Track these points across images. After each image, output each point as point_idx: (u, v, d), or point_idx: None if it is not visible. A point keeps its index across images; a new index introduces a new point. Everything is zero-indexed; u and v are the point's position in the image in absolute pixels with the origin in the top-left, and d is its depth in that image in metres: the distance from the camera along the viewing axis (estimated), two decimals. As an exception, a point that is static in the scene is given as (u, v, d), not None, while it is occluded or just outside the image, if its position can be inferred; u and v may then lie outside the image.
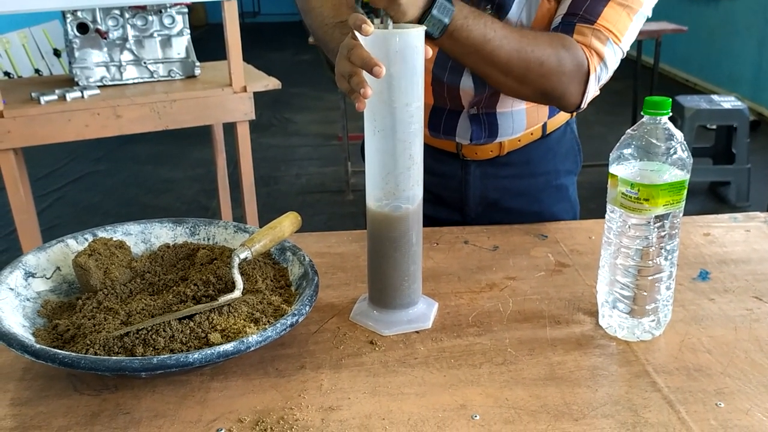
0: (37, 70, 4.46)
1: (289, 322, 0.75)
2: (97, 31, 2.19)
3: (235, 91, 2.21)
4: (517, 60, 0.93)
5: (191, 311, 0.78)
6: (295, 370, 0.77)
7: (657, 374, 0.76)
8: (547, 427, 0.68)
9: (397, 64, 0.76)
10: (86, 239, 0.92)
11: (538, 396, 0.73)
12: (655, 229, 0.78)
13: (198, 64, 2.35)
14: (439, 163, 1.20)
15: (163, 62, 2.30)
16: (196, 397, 0.73)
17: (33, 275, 0.86)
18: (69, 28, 2.18)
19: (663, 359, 0.79)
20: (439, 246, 1.09)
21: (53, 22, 4.81)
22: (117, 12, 2.22)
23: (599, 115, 4.97)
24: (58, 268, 0.89)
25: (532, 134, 1.18)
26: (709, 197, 3.76)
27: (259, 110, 2.50)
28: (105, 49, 2.23)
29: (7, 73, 4.11)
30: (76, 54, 2.20)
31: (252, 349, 0.72)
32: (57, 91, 2.07)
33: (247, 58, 2.31)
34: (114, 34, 2.23)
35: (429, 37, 0.87)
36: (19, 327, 0.76)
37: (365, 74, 0.77)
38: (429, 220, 0.98)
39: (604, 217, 0.84)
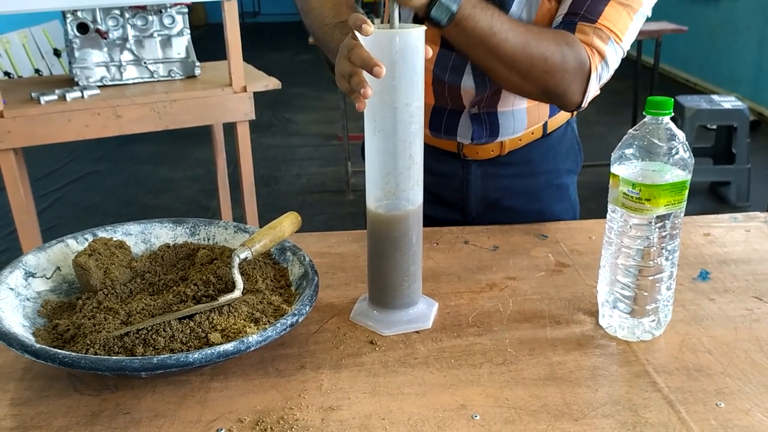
0: (37, 70, 4.47)
1: (289, 322, 0.75)
2: (97, 31, 2.19)
3: (235, 91, 2.21)
4: (522, 54, 0.92)
5: (191, 311, 0.78)
6: (295, 370, 0.77)
7: (657, 374, 0.76)
8: (547, 427, 0.68)
9: (398, 64, 0.76)
10: (86, 239, 0.92)
11: (538, 396, 0.73)
12: (656, 229, 0.78)
13: (198, 64, 2.35)
14: (440, 163, 1.20)
15: (163, 62, 2.30)
16: (196, 397, 0.73)
17: (33, 275, 0.86)
18: (69, 28, 2.18)
19: (663, 359, 0.79)
20: (439, 246, 1.09)
21: (53, 22, 4.81)
22: (117, 12, 2.22)
23: (599, 115, 4.97)
24: (58, 268, 0.89)
25: (532, 133, 1.18)
26: (709, 197, 3.76)
27: (259, 110, 2.50)
28: (105, 49, 2.23)
29: (7, 73, 4.11)
30: (76, 54, 2.20)
31: (252, 349, 0.72)
32: (57, 91, 2.07)
33: (247, 58, 2.31)
34: (114, 34, 2.23)
35: (436, 25, 0.87)
36: (19, 327, 0.76)
37: (365, 74, 0.77)
38: (429, 220, 0.98)
39: (604, 217, 0.84)
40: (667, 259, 0.80)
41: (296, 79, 6.47)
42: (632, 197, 0.77)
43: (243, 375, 0.76)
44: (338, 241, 1.10)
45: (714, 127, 3.97)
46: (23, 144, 2.03)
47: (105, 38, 2.20)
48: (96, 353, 0.71)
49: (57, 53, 4.54)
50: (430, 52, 0.79)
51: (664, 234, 0.79)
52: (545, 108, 1.15)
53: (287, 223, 0.90)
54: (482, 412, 0.70)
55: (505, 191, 1.21)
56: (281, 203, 3.77)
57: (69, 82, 2.27)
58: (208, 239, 0.98)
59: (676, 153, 0.77)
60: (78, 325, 0.77)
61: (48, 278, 0.87)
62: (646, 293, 0.81)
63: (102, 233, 0.93)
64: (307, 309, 0.79)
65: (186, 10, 2.32)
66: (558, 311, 0.89)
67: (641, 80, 4.30)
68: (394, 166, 0.81)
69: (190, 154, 4.61)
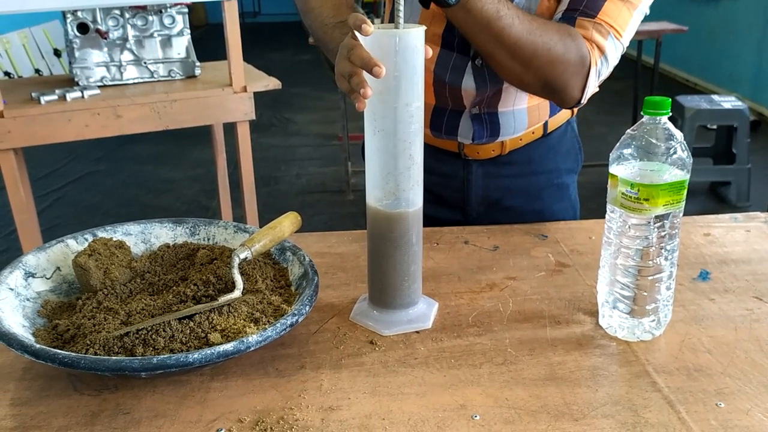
0: (37, 70, 4.47)
1: (289, 322, 0.75)
2: (98, 31, 2.19)
3: (235, 91, 2.21)
4: (526, 41, 0.92)
5: (191, 311, 0.78)
6: (295, 370, 0.77)
7: (657, 374, 0.76)
8: (547, 427, 0.68)
9: (398, 64, 0.76)
10: (86, 239, 0.92)
11: (538, 396, 0.73)
12: (655, 229, 0.78)
13: (198, 64, 2.35)
14: (441, 163, 1.20)
15: (163, 62, 2.31)
16: (196, 397, 0.73)
17: (33, 275, 0.86)
18: (69, 28, 2.18)
19: (663, 359, 0.79)
20: (439, 246, 1.09)
21: (53, 22, 4.81)
22: (117, 12, 2.22)
23: (599, 115, 4.98)
24: (58, 268, 0.89)
25: (533, 133, 1.18)
26: (709, 197, 3.76)
27: (259, 110, 2.50)
28: (105, 49, 2.23)
29: (7, 73, 4.11)
30: (77, 54, 2.20)
31: (252, 349, 0.72)
32: (57, 91, 2.07)
33: (247, 58, 2.31)
34: (114, 34, 2.23)
35: (444, 5, 0.86)
36: (19, 327, 0.76)
37: (365, 74, 0.77)
38: (430, 221, 0.98)
39: (604, 217, 0.84)
40: (666, 258, 0.80)
41: (296, 79, 6.47)
42: (631, 197, 0.77)
43: (243, 375, 0.76)
44: (338, 241, 1.10)
45: (714, 127, 3.97)
46: (23, 144, 2.03)
47: (105, 38, 2.20)
48: (96, 353, 0.71)
49: (57, 53, 4.54)
50: (430, 52, 0.79)
51: (663, 234, 0.79)
52: (545, 108, 1.15)
53: (287, 223, 0.90)
54: (482, 412, 0.70)
55: (505, 191, 1.21)
56: (281, 203, 3.77)
57: (69, 82, 2.27)
58: (208, 239, 0.98)
59: (675, 153, 0.77)
60: (78, 326, 0.77)
61: (48, 278, 0.87)
62: (645, 293, 0.81)
63: (102, 233, 0.93)
64: (307, 309, 0.79)
65: (186, 10, 2.32)
66: (558, 311, 0.89)
67: (641, 80, 4.30)
68: (394, 166, 0.81)
69: (190, 154, 4.61)
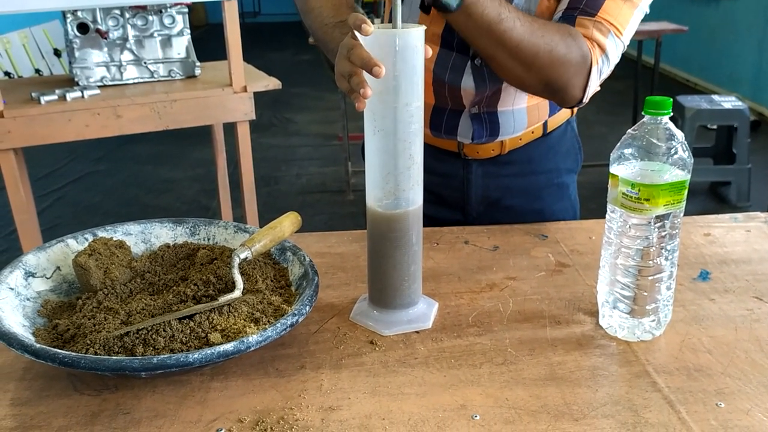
0: (37, 70, 4.47)
1: (289, 322, 0.75)
2: (98, 31, 2.19)
3: (235, 91, 2.21)
4: (528, 43, 0.91)
5: (191, 311, 0.78)
6: (295, 370, 0.77)
7: (657, 374, 0.76)
8: (547, 427, 0.68)
9: (397, 64, 0.76)
10: (86, 239, 0.92)
11: (538, 396, 0.73)
12: (656, 229, 0.78)
13: (198, 64, 2.35)
14: (441, 163, 1.20)
15: (163, 62, 2.30)
16: (196, 397, 0.73)
17: (33, 275, 0.86)
18: (69, 28, 2.18)
19: (663, 359, 0.79)
20: (439, 246, 1.09)
21: (53, 22, 4.81)
22: (117, 12, 2.22)
23: (600, 115, 4.98)
24: (58, 267, 0.89)
25: (533, 133, 1.18)
26: (709, 197, 3.76)
27: (259, 110, 2.50)
28: (105, 49, 2.23)
29: (7, 73, 4.11)
30: (77, 54, 2.20)
31: (252, 349, 0.72)
32: (57, 91, 2.07)
33: (247, 58, 2.31)
34: (114, 34, 2.23)
35: (445, 11, 0.86)
36: (19, 327, 0.76)
37: (365, 74, 0.77)
38: (430, 220, 0.98)
39: (604, 217, 0.84)
40: (666, 258, 0.80)
41: (296, 79, 6.47)
42: (631, 197, 0.77)
43: (243, 375, 0.76)
44: (338, 241, 1.10)
45: (714, 127, 3.97)
46: (23, 144, 2.03)
47: (105, 38, 2.20)
48: (96, 353, 0.71)
49: (57, 53, 4.54)
50: (430, 52, 0.79)
51: (663, 234, 0.79)
52: (545, 107, 1.15)
53: (287, 223, 0.90)
54: (482, 412, 0.70)
55: (505, 190, 1.21)
56: (281, 203, 3.77)
57: (69, 82, 2.27)
58: (208, 239, 0.98)
59: (675, 153, 0.77)
60: (78, 325, 0.77)
61: (48, 278, 0.87)
62: (645, 293, 0.81)
63: (102, 233, 0.93)
64: (307, 309, 0.79)
65: (186, 10, 2.32)
66: (558, 311, 0.89)
67: (641, 80, 4.30)
68: (394, 166, 0.81)
69: (190, 154, 4.61)
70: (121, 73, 2.26)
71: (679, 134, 0.78)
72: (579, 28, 0.97)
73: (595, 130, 4.71)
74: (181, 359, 0.68)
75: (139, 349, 0.72)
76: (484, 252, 1.06)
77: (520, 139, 1.17)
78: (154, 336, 0.74)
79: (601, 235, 0.85)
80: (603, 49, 0.97)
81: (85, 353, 0.71)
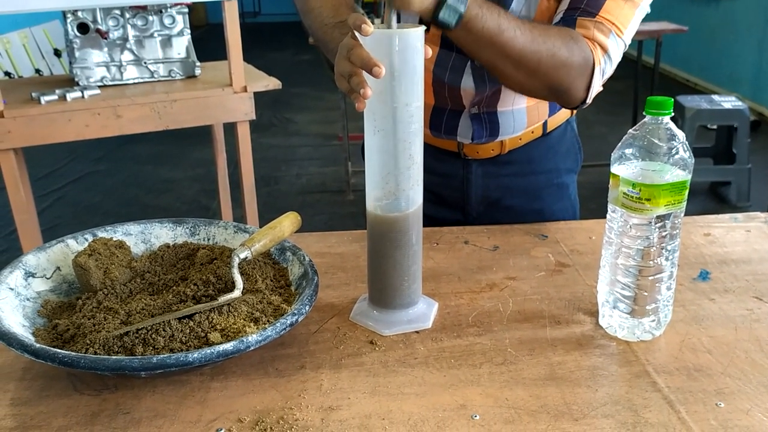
0: (37, 70, 4.47)
1: (288, 322, 0.75)
2: (98, 31, 2.19)
3: (235, 91, 2.21)
4: (530, 51, 0.91)
5: (191, 311, 0.77)
6: (295, 370, 0.77)
7: (657, 374, 0.76)
8: (547, 427, 0.68)
9: (397, 64, 0.76)
10: (86, 239, 0.92)
11: (538, 396, 0.72)
12: (656, 229, 0.78)
13: (198, 64, 2.35)
14: (441, 163, 1.20)
15: (163, 62, 2.30)
16: (196, 397, 0.73)
17: (33, 275, 0.86)
18: (69, 28, 2.18)
19: (663, 359, 0.79)
20: (439, 246, 1.09)
21: (54, 22, 4.81)
22: (117, 12, 2.22)
23: (600, 115, 4.97)
24: (58, 268, 0.89)
25: (533, 132, 1.18)
26: (709, 197, 3.76)
27: (259, 110, 2.50)
28: (105, 49, 2.23)
29: (7, 73, 4.11)
30: (77, 54, 2.20)
31: (252, 348, 0.72)
32: (57, 91, 2.07)
33: (247, 58, 2.30)
34: (114, 34, 2.23)
35: (445, 28, 0.86)
36: (19, 327, 0.76)
37: (365, 74, 0.77)
38: (430, 220, 0.98)
39: (604, 217, 0.84)
40: (667, 259, 0.80)
41: (296, 79, 6.47)
42: (632, 197, 0.77)
43: (243, 375, 0.76)
44: (338, 241, 1.10)
45: (714, 127, 3.97)
46: (23, 144, 2.03)
47: (105, 38, 2.20)
48: (96, 353, 0.71)
49: (57, 53, 4.54)
50: (430, 52, 0.79)
51: (664, 234, 0.79)
52: (545, 107, 1.15)
53: (287, 223, 0.90)
54: (482, 412, 0.70)
55: (505, 190, 1.21)
56: (281, 203, 3.77)
57: (69, 82, 2.27)
58: (208, 239, 0.98)
59: (676, 153, 0.77)
60: (78, 325, 0.77)
61: (48, 278, 0.87)
62: (646, 293, 0.81)
63: (102, 233, 0.93)
64: (307, 309, 0.79)
65: (186, 10, 2.32)
66: (558, 311, 0.89)
67: (642, 80, 4.30)
68: (394, 166, 0.81)
69: (191, 154, 4.61)
70: (122, 73, 2.26)
71: (680, 134, 0.78)
72: (580, 29, 0.97)
73: (595, 130, 4.71)
74: (181, 359, 0.68)
75: (139, 348, 0.72)
76: (484, 252, 1.06)
77: (520, 139, 1.17)
78: (153, 336, 0.74)
79: (602, 235, 0.85)
80: (605, 50, 0.97)
81: (85, 353, 0.71)
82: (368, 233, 0.87)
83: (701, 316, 0.88)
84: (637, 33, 1.05)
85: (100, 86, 2.19)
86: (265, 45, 9.22)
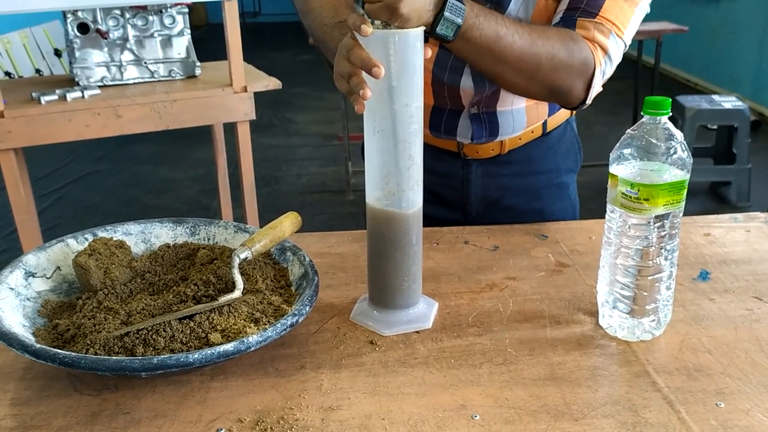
0: (37, 70, 4.46)
1: (289, 322, 0.75)
2: (98, 31, 2.19)
3: (235, 91, 2.21)
4: (529, 55, 0.91)
5: (191, 311, 0.78)
6: (295, 370, 0.77)
7: (657, 374, 0.76)
8: (547, 427, 0.68)
9: (397, 65, 0.76)
10: (86, 239, 0.92)
11: (538, 396, 0.73)
12: (655, 229, 0.78)
13: (198, 64, 2.35)
14: (441, 163, 1.20)
15: (163, 62, 2.31)
16: (196, 397, 0.73)
17: (33, 275, 0.86)
18: (70, 28, 2.18)
19: (663, 359, 0.79)
20: (439, 246, 1.09)
21: (54, 22, 4.81)
22: (117, 12, 2.22)
23: (599, 115, 4.97)
24: (59, 267, 0.89)
25: (532, 132, 1.18)
26: (709, 197, 3.76)
27: (259, 110, 2.50)
28: (105, 49, 2.23)
29: (7, 73, 4.11)
30: (77, 54, 2.20)
31: (252, 349, 0.72)
32: (57, 91, 2.07)
33: (247, 58, 2.31)
34: (114, 34, 2.23)
35: (443, 40, 0.86)
36: (19, 327, 0.76)
37: (364, 74, 0.77)
38: (430, 220, 0.98)
39: (604, 217, 0.84)
40: (666, 258, 0.80)
41: (297, 79, 6.46)
42: (631, 197, 0.77)
43: (243, 375, 0.76)
44: (338, 241, 1.10)
45: (714, 127, 3.97)
46: (24, 144, 2.03)
47: (105, 38, 2.20)
48: (96, 353, 0.71)
49: (58, 53, 4.54)
50: (429, 53, 0.79)
51: (663, 234, 0.79)
52: (544, 107, 1.15)
53: (287, 223, 0.90)
54: (482, 412, 0.70)
55: (505, 190, 1.21)
56: (281, 203, 3.77)
57: (69, 82, 2.27)
58: (208, 239, 0.98)
59: (675, 153, 0.77)
60: (78, 325, 0.77)
61: (48, 278, 0.87)
62: (645, 293, 0.81)
63: (102, 233, 0.93)
64: (307, 309, 0.79)
65: (186, 10, 2.32)
66: (558, 311, 0.89)
67: (642, 80, 4.30)
68: (394, 167, 0.81)
69: (191, 154, 4.61)
70: (122, 73, 2.26)
71: (678, 134, 0.78)
72: (580, 30, 0.97)
73: (595, 130, 4.71)
74: (181, 359, 0.68)
75: (139, 349, 0.72)
76: (484, 252, 1.06)
77: (520, 139, 1.17)
78: (154, 336, 0.74)
79: (601, 235, 0.85)
80: (605, 50, 0.97)
81: (85, 353, 0.71)
82: (368, 233, 0.87)
83: (701, 316, 0.88)
84: (638, 33, 1.06)
85: (100, 86, 2.19)
86: (266, 45, 9.22)
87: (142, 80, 2.28)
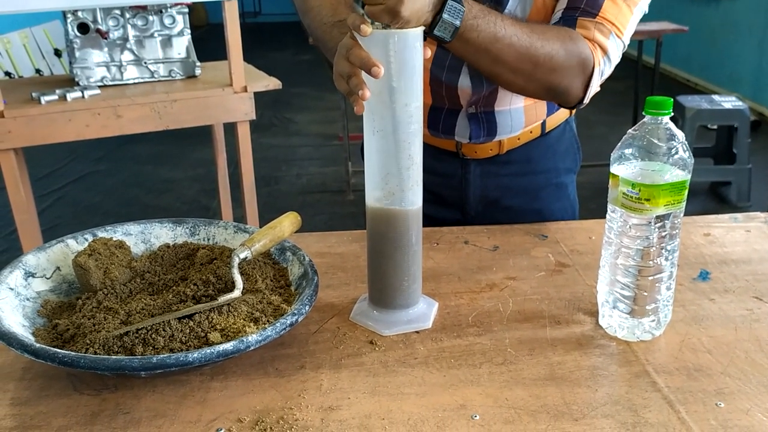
0: (37, 70, 4.46)
1: (288, 322, 0.75)
2: (98, 31, 2.19)
3: (235, 91, 2.21)
4: (527, 55, 0.92)
5: (191, 311, 0.78)
6: (295, 370, 0.77)
7: (657, 374, 0.76)
8: (547, 427, 0.68)
9: (396, 65, 0.76)
10: (86, 239, 0.92)
11: (538, 396, 0.72)
12: (656, 229, 0.78)
13: (198, 64, 2.35)
14: (440, 162, 1.20)
15: (163, 62, 2.30)
16: (196, 396, 0.73)
17: (33, 275, 0.86)
18: (70, 28, 2.18)
19: (663, 359, 0.79)
20: (439, 246, 1.09)
21: (54, 22, 4.81)
22: (117, 12, 2.22)
23: (600, 115, 4.97)
24: (58, 267, 0.89)
25: (531, 132, 1.18)
26: (709, 197, 3.76)
27: (259, 110, 2.50)
28: (105, 49, 2.23)
29: (7, 73, 4.11)
30: (77, 54, 2.20)
31: (252, 348, 0.72)
32: (57, 91, 2.07)
33: (247, 58, 2.31)
34: (114, 34, 2.23)
35: (441, 41, 0.86)
36: (19, 327, 0.76)
37: (364, 74, 0.77)
38: (429, 220, 0.98)
39: (604, 217, 0.84)
40: (666, 259, 0.80)
41: (297, 79, 6.46)
42: (632, 197, 0.77)
43: (243, 375, 0.76)
44: (338, 241, 1.10)
45: (715, 127, 3.97)
46: (24, 144, 2.03)
47: (105, 38, 2.20)
48: (96, 353, 0.71)
49: (58, 53, 4.54)
50: (429, 53, 0.79)
51: (663, 234, 0.79)
52: (543, 107, 1.15)
53: (287, 223, 0.90)
54: (482, 412, 0.70)
55: (504, 190, 1.21)
56: (281, 203, 3.77)
57: (69, 82, 2.27)
58: (208, 239, 0.98)
59: (676, 153, 0.77)
60: (78, 325, 0.77)
61: (48, 278, 0.87)
62: (645, 293, 0.81)
63: (102, 233, 0.93)
64: (307, 309, 0.79)
65: (186, 10, 2.32)
66: (558, 311, 0.89)
67: (642, 80, 4.30)
68: (394, 167, 0.81)
69: (191, 154, 4.61)
70: (122, 73, 2.26)
71: (680, 134, 0.78)
72: (580, 29, 0.97)
73: (596, 130, 4.71)
74: (181, 359, 0.68)
75: (139, 348, 0.72)
76: (484, 252, 1.06)
77: (519, 139, 1.17)
78: (153, 336, 0.74)
79: (601, 235, 0.85)
80: (605, 51, 0.97)
81: (85, 353, 0.71)
82: (368, 233, 0.87)
83: (701, 316, 0.88)
84: (638, 33, 1.06)
85: (100, 86, 2.19)
86: (266, 45, 9.22)
87: (142, 80, 2.28)
